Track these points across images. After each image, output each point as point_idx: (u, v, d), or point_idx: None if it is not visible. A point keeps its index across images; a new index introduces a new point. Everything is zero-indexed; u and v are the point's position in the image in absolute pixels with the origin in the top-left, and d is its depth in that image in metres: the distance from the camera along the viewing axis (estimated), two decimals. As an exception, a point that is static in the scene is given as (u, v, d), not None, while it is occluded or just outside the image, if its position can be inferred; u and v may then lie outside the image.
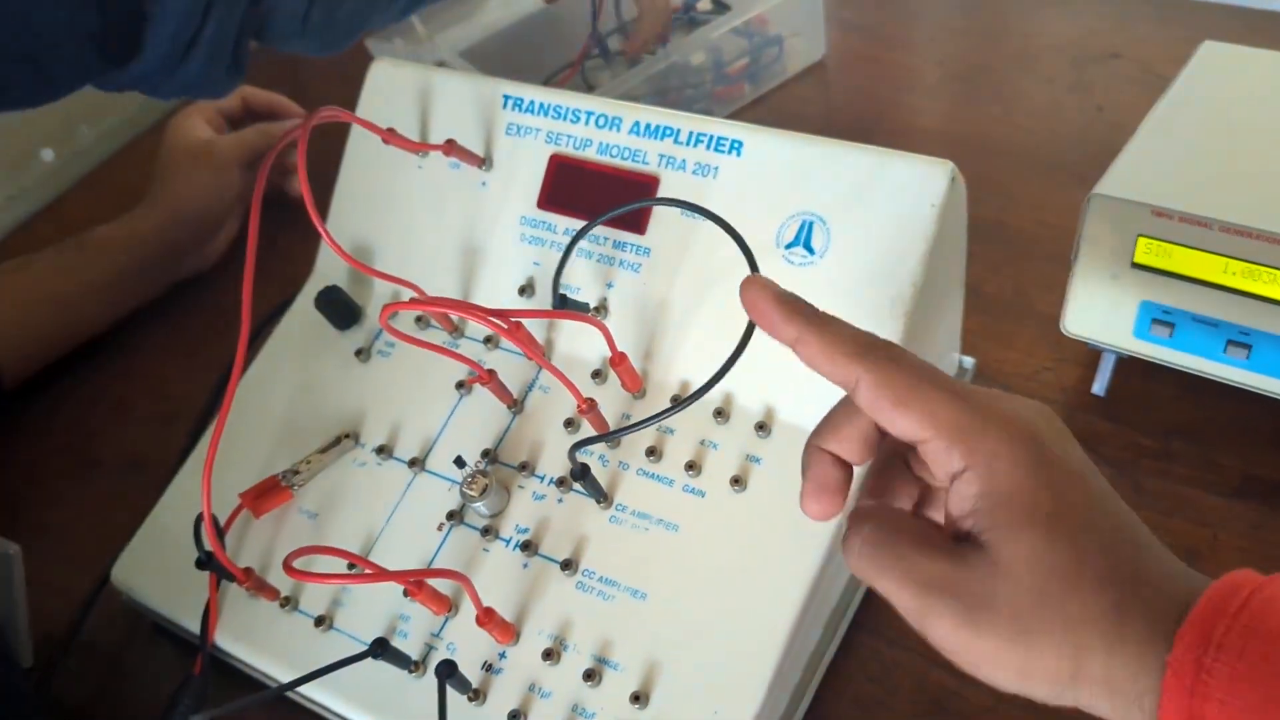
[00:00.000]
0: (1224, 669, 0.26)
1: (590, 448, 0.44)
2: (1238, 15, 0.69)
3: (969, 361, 0.53)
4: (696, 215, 0.44)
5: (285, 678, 0.44)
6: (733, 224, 0.39)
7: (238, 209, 0.71)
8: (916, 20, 0.80)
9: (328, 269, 0.54)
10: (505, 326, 0.42)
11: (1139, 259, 0.45)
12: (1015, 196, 0.62)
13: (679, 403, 0.37)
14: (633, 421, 0.38)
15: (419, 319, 0.51)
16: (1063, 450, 0.30)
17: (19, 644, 0.48)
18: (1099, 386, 0.51)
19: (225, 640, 0.46)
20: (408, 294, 0.48)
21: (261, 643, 0.45)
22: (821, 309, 0.33)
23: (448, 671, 0.38)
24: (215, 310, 0.69)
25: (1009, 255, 0.59)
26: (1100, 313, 0.47)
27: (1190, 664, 0.26)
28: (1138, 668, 0.27)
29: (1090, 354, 0.52)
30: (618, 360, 0.44)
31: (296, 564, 0.38)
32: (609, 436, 0.40)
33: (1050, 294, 0.50)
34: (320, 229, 0.46)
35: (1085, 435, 0.49)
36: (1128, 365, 0.50)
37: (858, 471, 0.33)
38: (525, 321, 0.45)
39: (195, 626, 0.46)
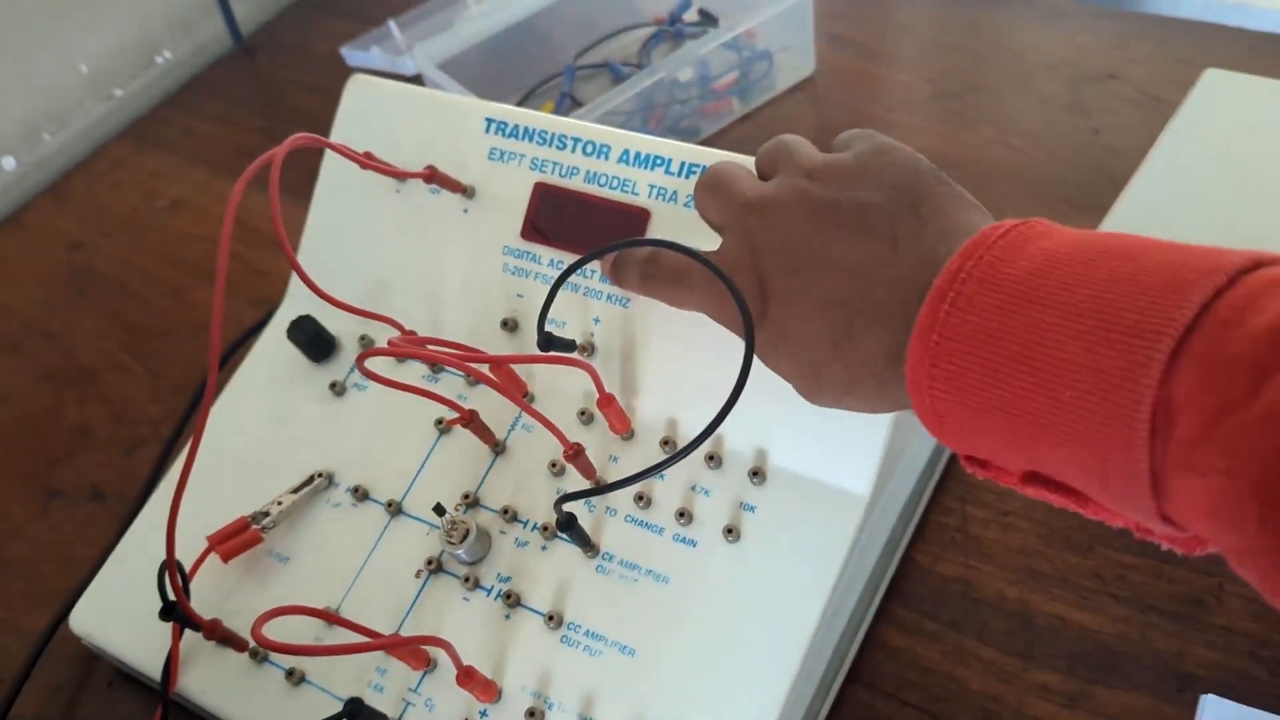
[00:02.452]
0: (957, 320, 0.27)
1: (567, 512, 0.41)
2: (1238, 37, 0.68)
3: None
4: (688, 249, 0.43)
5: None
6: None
7: None
8: (907, 36, 0.78)
9: (301, 293, 0.52)
10: (488, 373, 0.40)
11: (1146, 299, 0.43)
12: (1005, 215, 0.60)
13: (674, 455, 0.35)
14: (624, 477, 0.36)
15: (396, 351, 0.49)
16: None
17: None
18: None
19: (192, 691, 0.43)
20: (383, 328, 0.46)
21: (230, 696, 0.43)
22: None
23: (424, 740, 0.36)
24: (182, 330, 0.67)
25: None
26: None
27: (927, 321, 0.28)
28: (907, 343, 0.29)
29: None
30: (605, 402, 0.42)
31: (267, 628, 0.36)
32: (597, 492, 0.38)
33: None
34: (293, 264, 0.44)
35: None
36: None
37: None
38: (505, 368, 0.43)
39: (158, 675, 0.43)
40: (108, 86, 0.84)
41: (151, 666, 0.44)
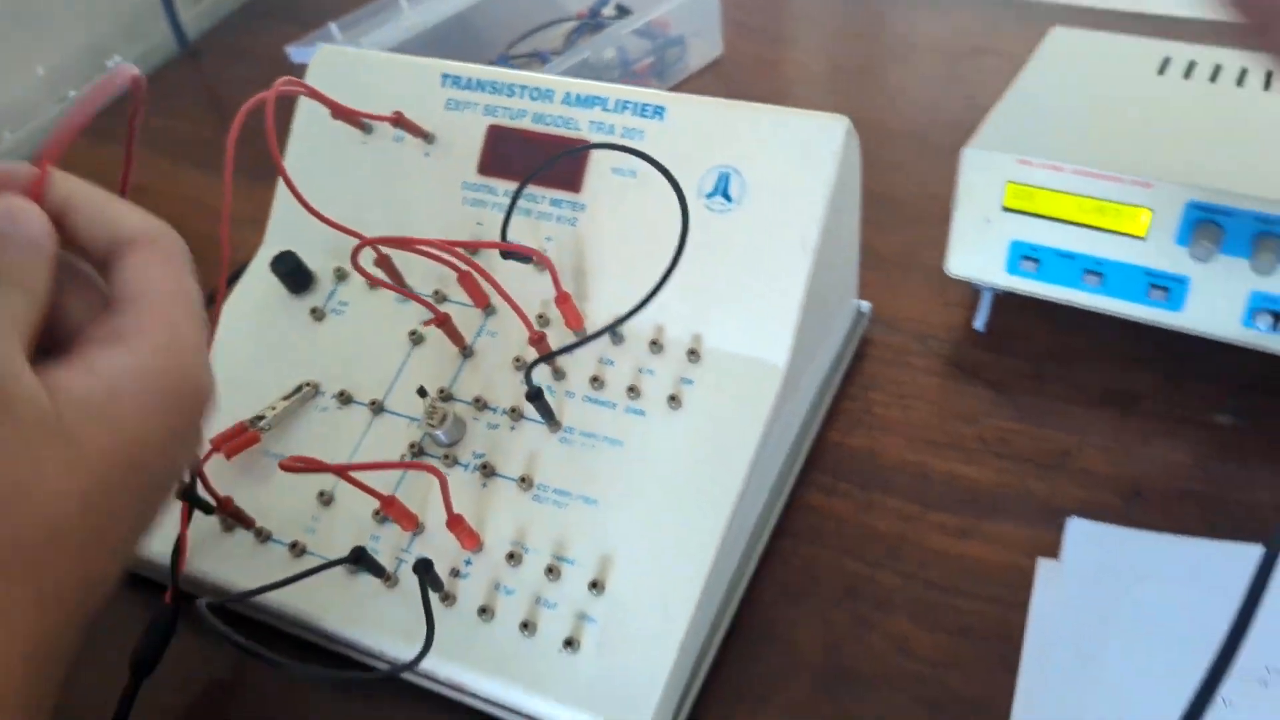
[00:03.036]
0: None
1: (538, 381, 0.48)
2: (1086, 14, 0.79)
3: (866, 305, 0.59)
4: (626, 174, 0.50)
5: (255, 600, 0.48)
6: (658, 175, 0.45)
7: None
8: (803, 22, 0.87)
9: (279, 233, 0.58)
10: (462, 267, 0.47)
11: (1008, 203, 0.52)
12: (902, 172, 0.69)
13: (619, 319, 0.43)
14: (588, 335, 0.43)
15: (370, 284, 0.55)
16: None
17: None
18: (979, 323, 0.58)
19: (202, 569, 0.49)
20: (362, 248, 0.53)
21: (238, 570, 0.48)
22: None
23: (425, 567, 0.42)
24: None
25: (898, 221, 0.66)
26: (977, 253, 0.54)
27: None
28: None
29: (971, 297, 0.59)
30: (562, 299, 0.49)
31: (269, 506, 0.42)
32: (566, 349, 0.45)
33: (934, 251, 0.57)
34: (281, 171, 0.50)
35: (970, 365, 0.57)
36: (1003, 302, 0.58)
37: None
38: (475, 269, 0.50)
39: (166, 559, 0.49)
40: (62, 88, 0.89)
41: (160, 553, 0.49)
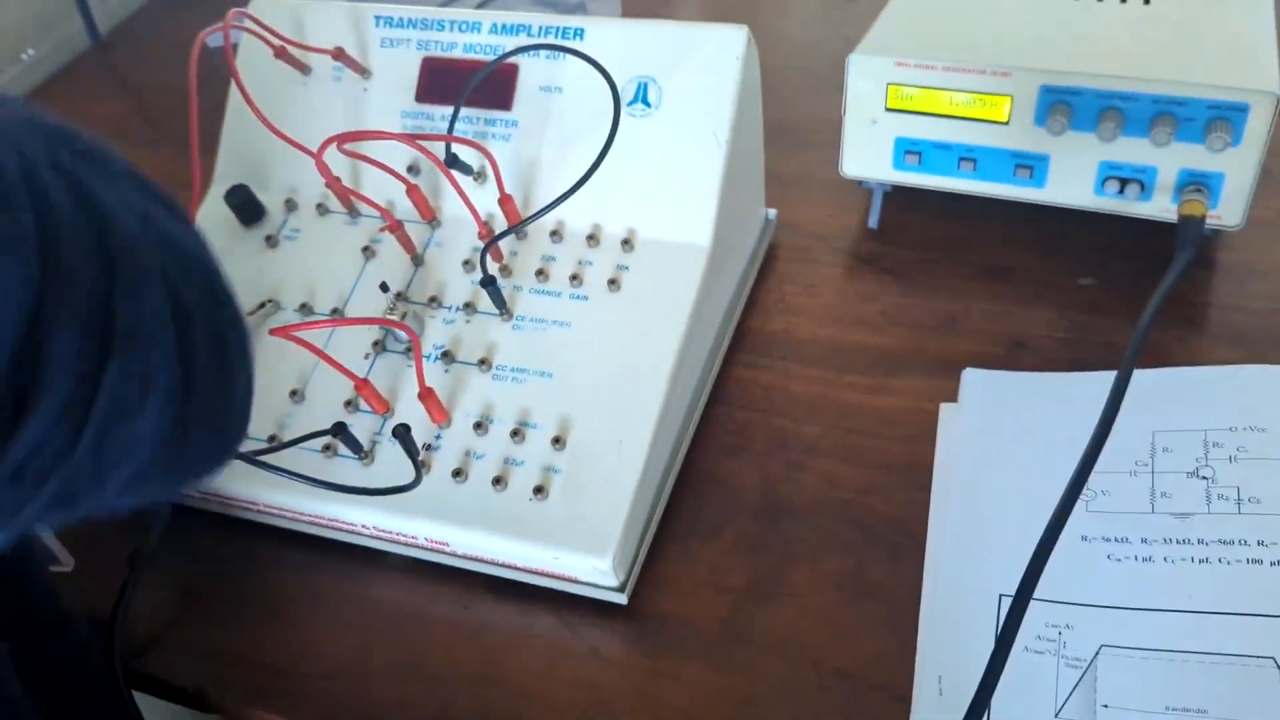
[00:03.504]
0: None
1: (489, 273, 0.53)
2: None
3: (773, 213, 0.66)
4: (553, 91, 0.56)
5: (247, 495, 0.52)
6: (585, 88, 0.51)
7: None
8: (694, -16, 0.95)
9: (227, 174, 0.61)
10: (411, 180, 0.52)
11: (890, 104, 0.59)
12: (794, 105, 0.76)
13: (553, 201, 0.48)
14: (535, 213, 0.48)
15: (320, 205, 0.59)
16: None
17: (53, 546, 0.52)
18: (873, 221, 0.65)
19: (183, 475, 0.52)
20: (306, 184, 0.57)
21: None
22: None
23: (404, 430, 0.47)
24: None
25: (794, 145, 0.73)
26: (867, 153, 0.61)
27: None
28: None
29: (864, 200, 0.66)
30: (505, 200, 0.54)
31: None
32: (514, 229, 0.51)
33: (827, 168, 0.63)
34: (240, 87, 0.54)
35: (867, 256, 0.64)
36: (891, 201, 0.65)
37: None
38: (421, 184, 0.55)
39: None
40: (-22, 81, 0.90)
41: (145, 462, 0.52)
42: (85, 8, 0.95)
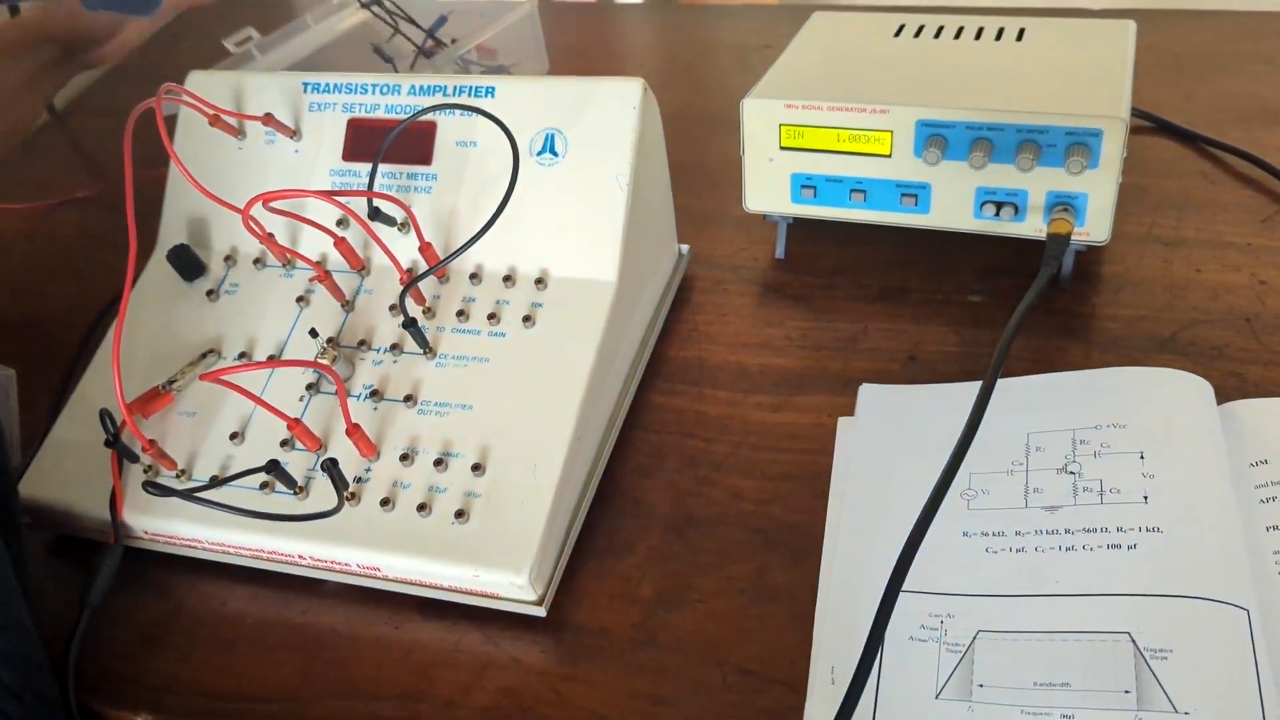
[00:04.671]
0: None
1: (411, 315, 0.57)
2: (846, 8, 0.93)
3: (685, 248, 0.70)
4: (469, 145, 0.61)
5: (190, 534, 0.55)
6: (497, 142, 0.56)
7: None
8: (620, 38, 1.00)
9: (169, 235, 0.65)
10: (339, 233, 0.56)
11: (784, 142, 0.64)
12: (707, 146, 0.81)
13: (464, 244, 0.52)
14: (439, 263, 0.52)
15: (256, 260, 0.63)
16: None
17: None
18: (779, 251, 0.70)
19: (133, 517, 0.56)
20: (243, 244, 0.61)
21: (165, 511, 0.55)
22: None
23: (332, 463, 0.51)
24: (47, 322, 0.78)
25: (707, 185, 0.78)
26: (767, 189, 0.66)
27: None
28: None
29: (771, 232, 0.71)
30: (425, 247, 0.58)
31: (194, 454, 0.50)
32: (429, 272, 0.55)
33: (739, 205, 0.68)
34: (174, 157, 0.58)
35: (774, 285, 0.68)
36: (797, 232, 0.69)
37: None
38: (349, 236, 0.59)
39: (105, 514, 0.55)
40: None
41: (97, 509, 0.56)
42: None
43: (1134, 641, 0.45)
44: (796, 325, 0.65)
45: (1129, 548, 0.48)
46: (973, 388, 0.57)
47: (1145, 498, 0.49)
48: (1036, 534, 0.50)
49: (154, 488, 0.50)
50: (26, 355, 0.70)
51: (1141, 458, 0.51)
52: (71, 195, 0.90)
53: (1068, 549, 0.49)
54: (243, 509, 0.50)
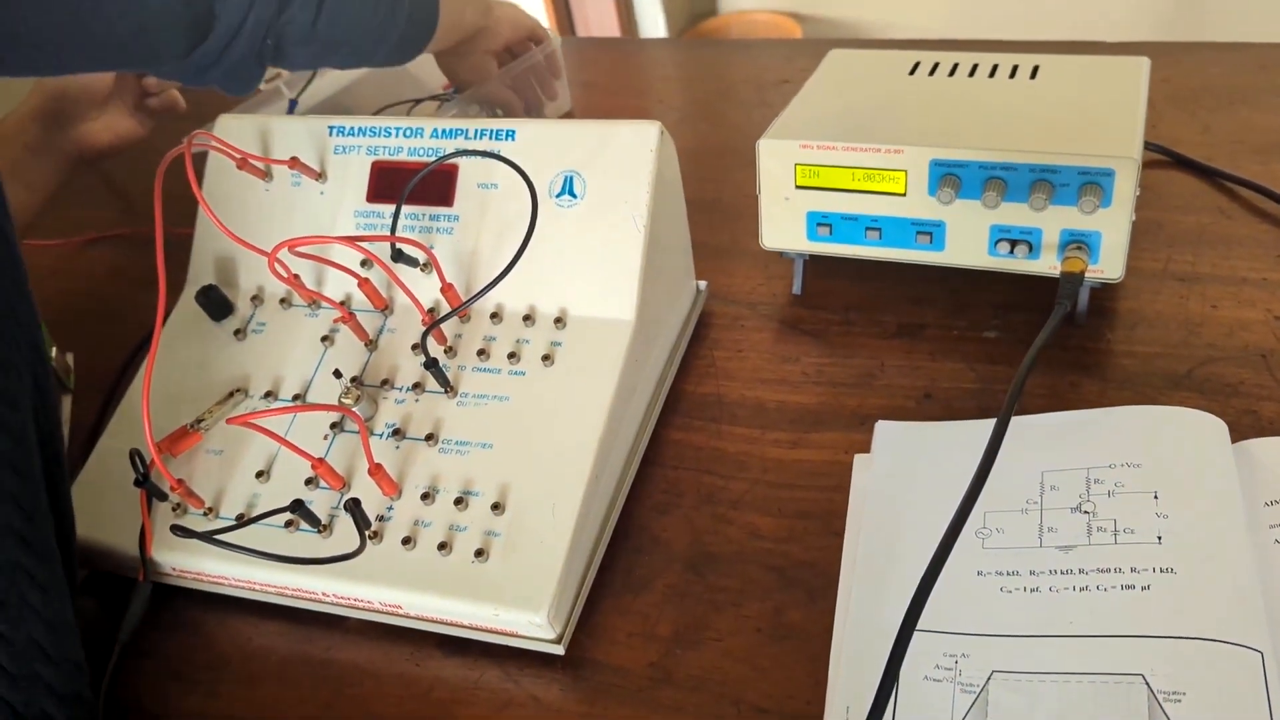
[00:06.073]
0: None
1: (433, 355, 0.58)
2: (860, 43, 0.94)
3: (703, 284, 0.71)
4: (489, 187, 0.62)
5: (217, 572, 0.56)
6: (517, 184, 0.57)
7: (118, 101, 0.85)
8: (641, 75, 1.01)
9: (198, 276, 0.67)
10: (363, 274, 0.57)
11: (799, 181, 0.65)
12: (725, 182, 0.82)
13: (485, 287, 0.54)
14: (468, 298, 0.53)
15: (282, 300, 0.65)
16: None
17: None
18: (796, 287, 0.71)
19: (162, 555, 0.57)
20: (269, 285, 0.62)
21: (193, 549, 0.56)
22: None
23: (355, 504, 0.52)
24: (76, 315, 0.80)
25: (724, 220, 0.79)
26: (783, 227, 0.67)
27: None
28: None
29: (788, 268, 0.72)
30: (447, 288, 0.59)
31: (220, 491, 0.51)
32: (450, 314, 0.56)
33: (756, 241, 0.69)
34: (200, 200, 0.60)
35: (791, 321, 0.69)
36: (814, 269, 0.70)
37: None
38: (373, 277, 0.61)
39: (135, 549, 0.57)
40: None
41: (127, 544, 0.57)
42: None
43: (1147, 683, 0.45)
44: (813, 361, 0.66)
45: (1143, 588, 0.48)
46: (988, 425, 0.58)
47: (1159, 538, 0.50)
48: (1051, 574, 0.50)
49: (181, 530, 0.51)
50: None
51: (1155, 497, 0.51)
52: (102, 232, 0.92)
53: (1082, 589, 0.49)
54: (268, 553, 0.51)
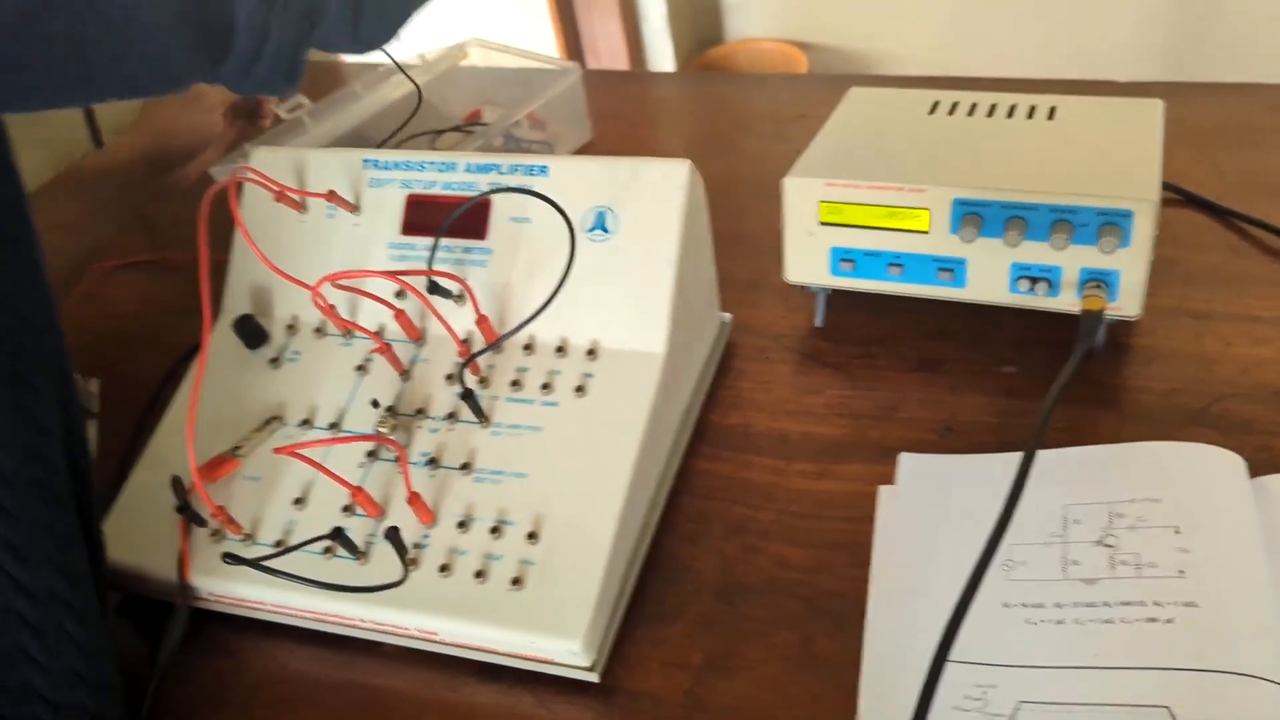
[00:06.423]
0: None
1: (468, 385, 0.60)
2: (879, 80, 0.96)
3: (728, 317, 0.73)
4: (522, 221, 0.63)
5: (255, 596, 0.57)
6: (549, 218, 0.58)
7: (216, 145, 0.87)
8: (659, 106, 1.03)
9: (233, 305, 0.68)
10: (398, 305, 0.59)
11: (823, 218, 0.67)
12: (746, 214, 0.84)
13: (523, 322, 0.55)
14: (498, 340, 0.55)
15: (317, 329, 0.66)
16: None
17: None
18: (818, 320, 0.72)
19: (199, 580, 0.58)
20: (305, 312, 0.64)
21: (231, 574, 0.57)
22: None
23: (394, 532, 0.53)
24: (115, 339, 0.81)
25: (747, 252, 0.80)
26: (806, 262, 0.68)
27: None
28: None
29: (810, 302, 0.73)
30: (481, 320, 0.61)
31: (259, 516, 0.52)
32: (487, 349, 0.58)
33: (778, 273, 0.70)
34: (245, 235, 0.61)
35: (814, 353, 0.70)
36: (835, 302, 0.72)
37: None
38: (407, 308, 0.62)
39: (173, 574, 0.58)
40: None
41: (165, 570, 0.58)
42: (91, 120, 1.02)
43: (1173, 715, 0.46)
44: (836, 393, 0.67)
45: (1166, 621, 0.50)
46: (1010, 459, 0.60)
47: (1181, 572, 0.51)
48: (1075, 606, 0.52)
49: (232, 558, 0.52)
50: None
51: (1176, 532, 0.53)
52: (128, 259, 0.93)
53: (1106, 621, 0.51)
54: (313, 580, 0.52)
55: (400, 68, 0.97)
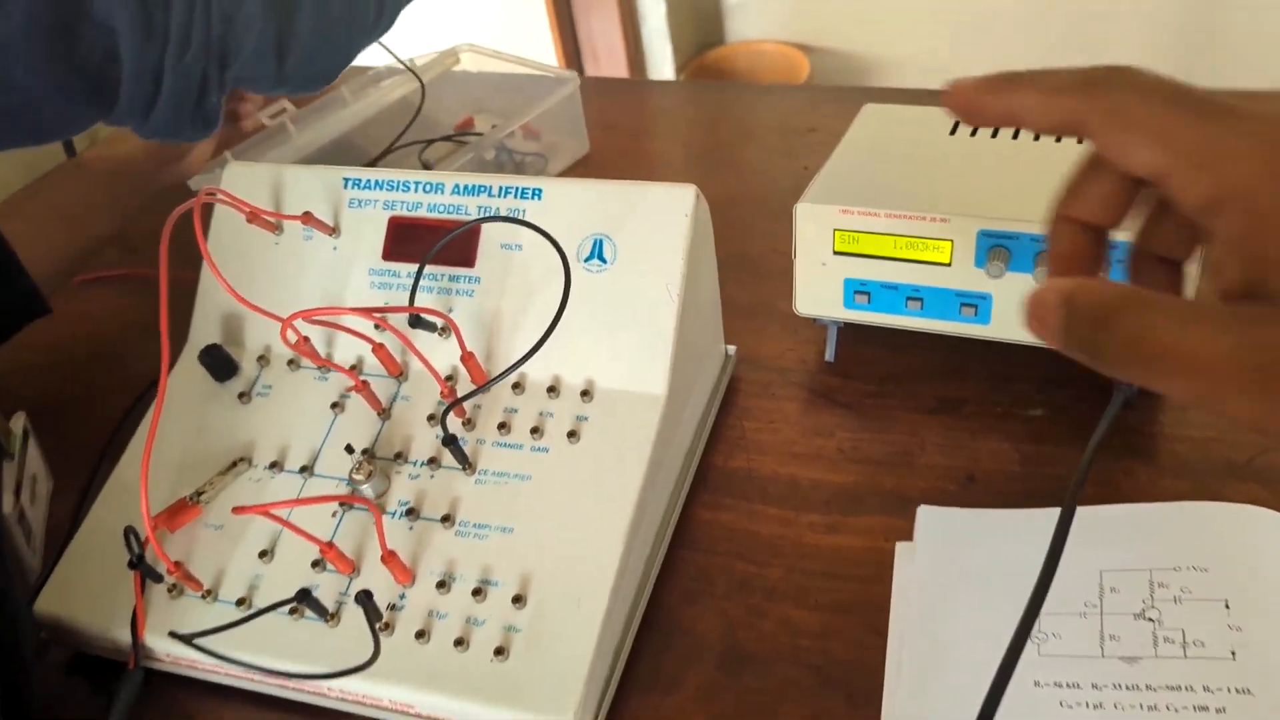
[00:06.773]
0: None
1: (451, 431, 0.55)
2: (891, 93, 0.91)
3: (732, 349, 0.68)
4: (513, 248, 0.58)
5: (212, 662, 0.53)
6: (542, 245, 0.53)
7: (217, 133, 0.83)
8: (660, 116, 0.98)
9: (200, 335, 0.63)
10: (376, 339, 0.54)
11: (838, 247, 0.62)
12: (751, 235, 0.79)
13: (513, 364, 0.50)
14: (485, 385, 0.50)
15: (290, 361, 0.61)
16: None
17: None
18: (829, 354, 0.67)
19: (154, 640, 0.53)
20: (277, 341, 0.59)
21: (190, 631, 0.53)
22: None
23: (366, 596, 0.48)
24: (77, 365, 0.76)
25: (752, 276, 0.76)
26: (818, 293, 0.63)
27: None
28: None
29: (820, 333, 0.68)
30: (467, 357, 0.56)
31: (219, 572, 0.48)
32: (472, 394, 0.52)
33: (785, 300, 0.65)
34: (206, 256, 0.56)
35: (824, 390, 0.65)
36: (846, 334, 0.67)
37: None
38: (387, 342, 0.57)
39: (125, 635, 0.53)
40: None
41: (118, 629, 0.53)
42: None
43: (1227, 819, 0.42)
44: (848, 436, 0.62)
45: (1217, 710, 0.45)
46: (1040, 515, 0.55)
47: (1233, 653, 0.46)
48: (1115, 688, 0.47)
49: (178, 636, 0.47)
50: (57, 440, 0.68)
51: (1227, 607, 0.48)
52: (98, 272, 0.88)
53: (1150, 708, 0.46)
54: (269, 669, 0.48)
55: (409, 67, 0.92)
